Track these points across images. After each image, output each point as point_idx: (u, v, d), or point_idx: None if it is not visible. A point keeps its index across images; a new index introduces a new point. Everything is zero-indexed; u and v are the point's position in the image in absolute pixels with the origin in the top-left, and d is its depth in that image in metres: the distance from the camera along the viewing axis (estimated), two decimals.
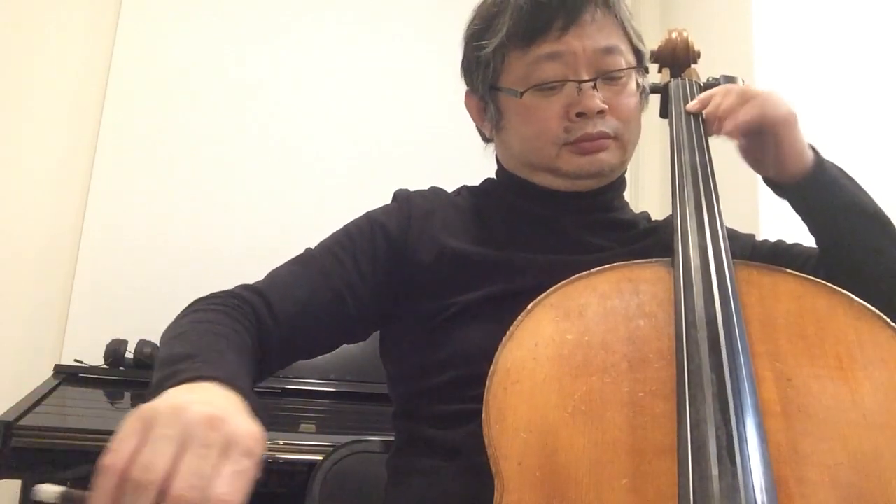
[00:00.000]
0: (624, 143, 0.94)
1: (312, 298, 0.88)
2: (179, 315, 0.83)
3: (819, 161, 0.89)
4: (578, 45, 0.91)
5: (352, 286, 0.90)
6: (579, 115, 0.90)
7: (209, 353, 0.71)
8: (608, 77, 0.92)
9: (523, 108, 0.93)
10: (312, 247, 0.95)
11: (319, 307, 0.88)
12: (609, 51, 0.92)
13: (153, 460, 0.52)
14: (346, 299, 0.89)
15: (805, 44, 2.12)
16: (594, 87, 0.91)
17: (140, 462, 0.53)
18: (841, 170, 0.91)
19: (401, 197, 0.99)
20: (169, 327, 0.81)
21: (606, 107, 0.91)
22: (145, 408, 0.56)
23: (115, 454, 0.54)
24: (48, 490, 0.56)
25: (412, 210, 0.95)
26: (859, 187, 0.90)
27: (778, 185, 0.91)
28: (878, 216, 0.89)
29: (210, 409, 0.56)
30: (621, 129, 0.93)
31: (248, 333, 0.81)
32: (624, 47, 0.94)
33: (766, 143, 0.88)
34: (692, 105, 0.95)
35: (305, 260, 0.93)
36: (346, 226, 0.96)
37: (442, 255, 0.91)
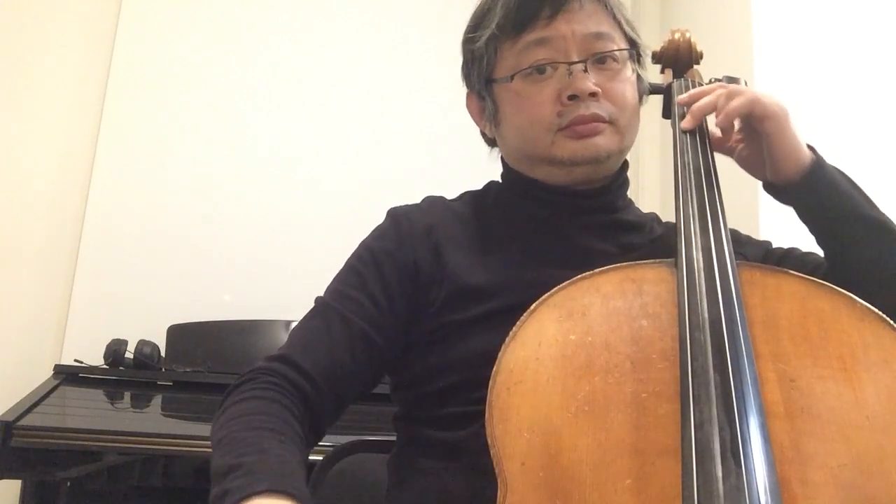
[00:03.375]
0: (620, 128, 0.93)
1: (342, 350, 0.87)
2: (221, 408, 0.82)
3: (818, 162, 0.88)
4: (567, 30, 0.91)
5: (374, 322, 0.89)
6: (571, 98, 0.90)
7: (253, 459, 0.70)
8: (600, 60, 0.92)
9: (516, 96, 0.94)
10: (322, 294, 0.93)
11: (351, 356, 0.87)
12: (599, 36, 0.92)
13: None
14: (371, 337, 0.88)
15: (805, 44, 2.12)
16: (585, 69, 0.91)
17: None
18: (842, 173, 0.90)
19: (397, 215, 0.97)
20: (213, 426, 0.79)
21: (599, 90, 0.90)
22: None
23: None
24: None
25: (412, 229, 0.94)
26: (862, 193, 0.89)
27: (778, 190, 0.90)
28: (880, 224, 0.87)
29: None
30: (616, 113, 0.92)
31: (290, 410, 0.80)
32: (616, 35, 0.94)
33: (759, 140, 0.87)
34: (686, 122, 0.93)
35: (322, 312, 0.91)
36: (348, 262, 0.95)
37: (444, 273, 0.90)
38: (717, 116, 0.89)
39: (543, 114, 0.91)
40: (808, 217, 0.90)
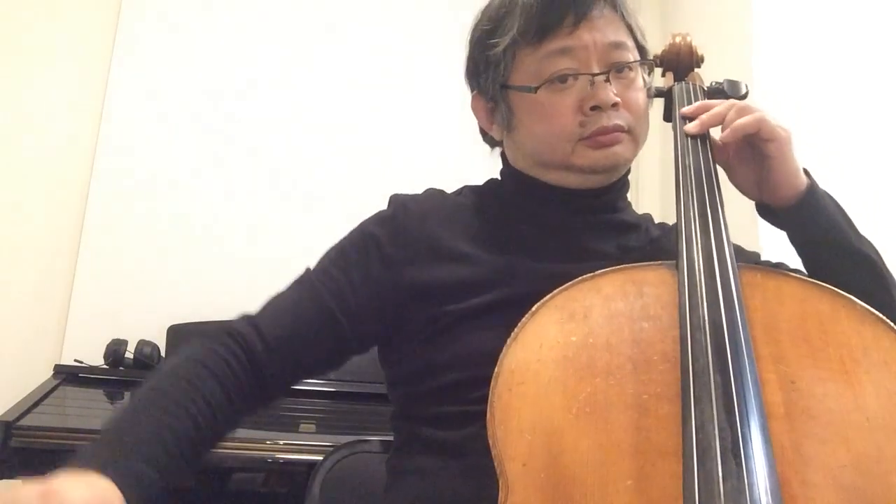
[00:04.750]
0: (636, 136, 0.94)
1: (302, 319, 0.90)
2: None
3: (812, 188, 0.88)
4: (589, 39, 0.91)
5: (343, 302, 0.91)
6: (594, 108, 0.91)
7: (116, 428, 0.74)
8: (619, 70, 0.93)
9: (537, 105, 0.93)
10: (311, 266, 0.96)
11: (313, 331, 0.90)
12: (618, 45, 0.93)
13: None
14: (336, 316, 0.90)
15: (805, 47, 2.12)
16: (607, 79, 0.91)
17: None
18: (833, 199, 0.91)
19: (396, 203, 0.98)
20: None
21: (620, 100, 0.91)
22: None
23: None
24: None
25: (407, 217, 0.95)
26: (850, 222, 0.90)
27: (770, 211, 0.90)
28: (867, 260, 0.88)
29: (47, 485, 0.60)
30: (633, 122, 0.93)
31: (219, 376, 0.82)
32: (630, 44, 0.95)
33: (758, 162, 0.88)
34: (692, 128, 0.93)
35: (301, 281, 0.94)
36: (341, 240, 0.97)
37: (443, 259, 0.91)
38: (723, 129, 0.89)
39: (565, 123, 0.91)
40: (798, 241, 0.90)
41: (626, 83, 0.93)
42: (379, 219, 0.97)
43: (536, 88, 0.92)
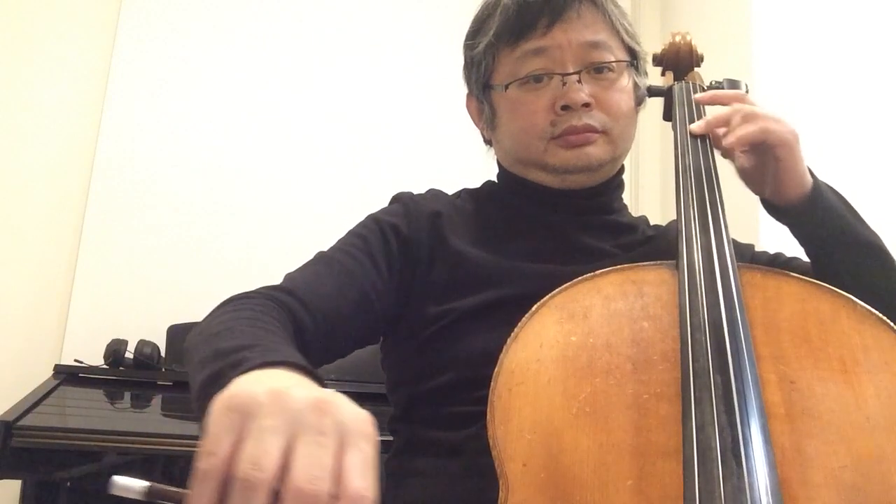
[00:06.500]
0: (613, 138, 0.94)
1: (342, 296, 0.85)
2: (208, 317, 0.77)
3: (817, 186, 0.88)
4: (564, 39, 0.92)
5: (375, 286, 0.88)
6: (564, 108, 0.91)
7: (267, 343, 0.64)
8: (596, 70, 0.93)
9: (511, 104, 0.95)
10: (324, 250, 0.93)
11: (349, 305, 0.86)
12: (596, 45, 0.93)
13: (261, 454, 0.44)
14: (371, 298, 0.88)
15: (804, 46, 2.12)
16: (579, 80, 0.92)
17: (246, 458, 0.44)
18: (837, 193, 0.91)
19: (404, 198, 0.99)
20: (199, 328, 0.74)
21: (592, 100, 0.92)
22: (235, 396, 0.48)
23: (213, 456, 0.45)
24: (131, 485, 0.46)
25: (418, 211, 0.95)
26: (855, 213, 0.90)
27: (776, 209, 0.90)
28: (874, 248, 0.88)
29: (313, 392, 0.49)
30: (609, 123, 0.93)
31: (287, 331, 0.75)
32: (613, 43, 0.95)
33: (766, 162, 0.87)
34: (698, 128, 0.93)
35: (326, 261, 0.89)
36: (352, 230, 0.95)
37: (446, 258, 0.91)
38: (726, 134, 0.87)
39: (537, 122, 0.93)
40: (805, 237, 0.90)
41: (606, 84, 0.94)
42: (390, 210, 0.97)
43: (507, 86, 0.94)
